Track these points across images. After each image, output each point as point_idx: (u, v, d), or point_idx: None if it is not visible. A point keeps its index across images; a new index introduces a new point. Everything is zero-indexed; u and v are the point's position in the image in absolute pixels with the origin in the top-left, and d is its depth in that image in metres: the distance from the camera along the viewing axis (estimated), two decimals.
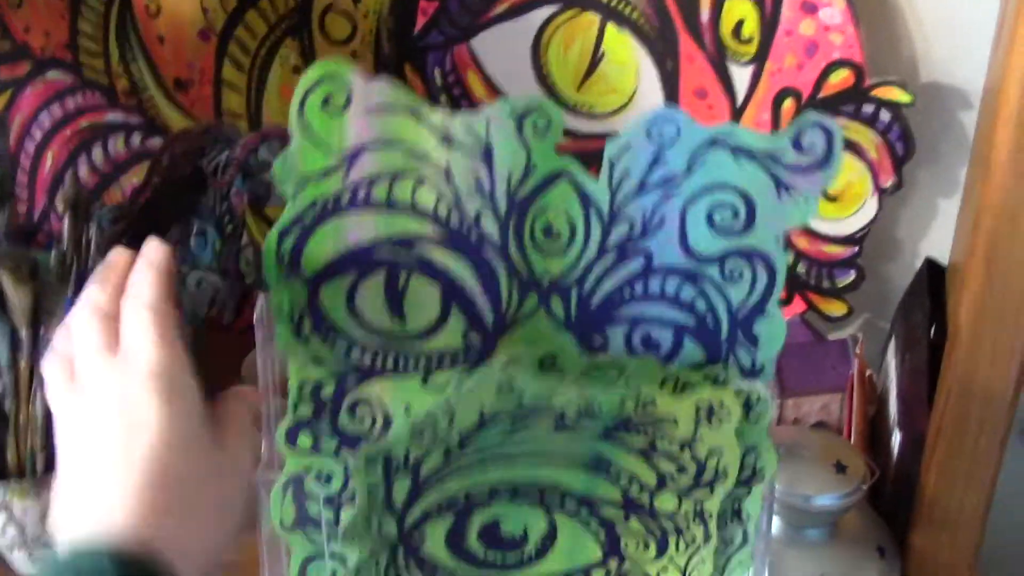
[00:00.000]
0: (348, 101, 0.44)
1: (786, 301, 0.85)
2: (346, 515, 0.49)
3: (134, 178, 0.92)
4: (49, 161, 0.92)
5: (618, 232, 0.48)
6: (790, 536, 0.63)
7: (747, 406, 0.49)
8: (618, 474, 0.51)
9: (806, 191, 0.47)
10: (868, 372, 0.80)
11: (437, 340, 0.49)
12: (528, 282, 0.48)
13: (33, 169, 0.92)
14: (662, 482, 0.51)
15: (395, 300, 0.48)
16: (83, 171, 0.91)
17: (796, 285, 0.85)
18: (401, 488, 0.50)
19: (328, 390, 0.49)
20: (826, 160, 0.47)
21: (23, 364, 0.70)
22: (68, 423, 0.40)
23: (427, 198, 0.47)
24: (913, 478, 0.67)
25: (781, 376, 0.81)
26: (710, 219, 0.48)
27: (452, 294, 0.48)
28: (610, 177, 0.48)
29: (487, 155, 0.46)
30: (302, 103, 0.44)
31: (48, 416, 0.71)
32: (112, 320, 0.41)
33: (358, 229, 0.46)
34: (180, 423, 0.39)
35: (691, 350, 0.50)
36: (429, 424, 0.47)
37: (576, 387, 0.48)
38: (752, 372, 0.50)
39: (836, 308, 0.86)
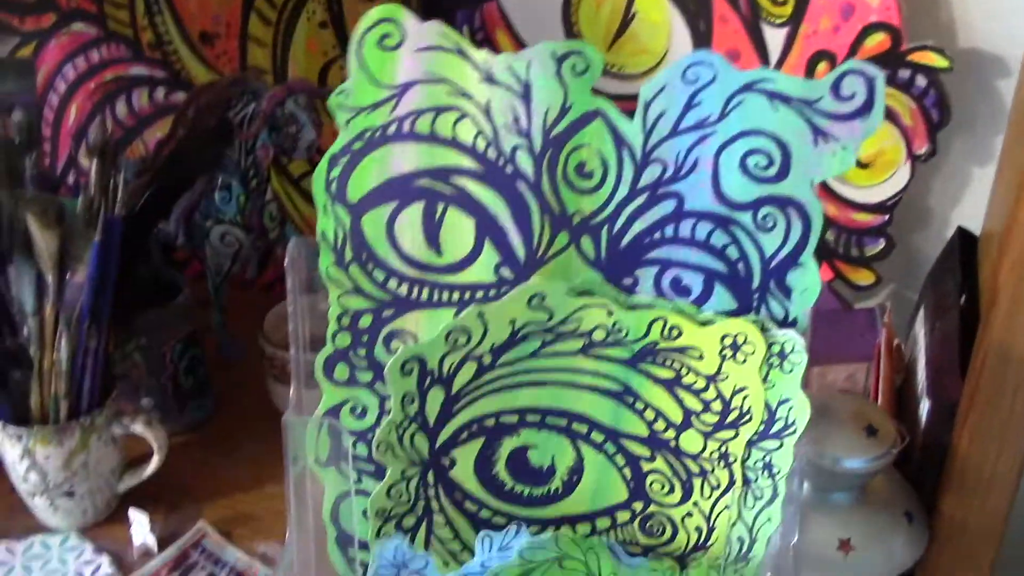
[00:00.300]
0: (401, 40, 0.48)
1: None
2: (380, 432, 0.52)
3: (158, 132, 0.95)
4: (73, 114, 0.95)
5: (650, 173, 0.51)
6: (816, 499, 0.65)
7: (781, 356, 0.52)
8: (644, 408, 0.54)
9: (844, 140, 0.49)
10: (896, 341, 0.82)
11: (470, 273, 0.52)
12: (560, 219, 0.51)
13: (57, 121, 0.95)
14: (687, 419, 0.53)
15: (432, 231, 0.51)
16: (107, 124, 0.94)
17: (824, 253, 0.87)
18: (434, 402, 0.53)
19: (366, 320, 0.52)
20: (867, 108, 0.49)
21: (48, 310, 0.73)
22: None
23: (467, 133, 0.50)
24: (943, 444, 0.69)
25: (808, 344, 0.83)
26: (744, 165, 0.51)
27: (486, 228, 0.51)
28: (644, 118, 0.50)
29: (526, 93, 0.49)
30: (361, 41, 0.48)
31: (72, 362, 0.74)
32: None
33: (401, 159, 0.50)
34: None
35: (722, 297, 0.53)
36: (462, 332, 0.51)
37: (606, 308, 0.51)
38: (785, 324, 0.53)
39: (864, 277, 0.88)
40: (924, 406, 0.74)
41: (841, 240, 0.87)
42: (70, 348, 0.73)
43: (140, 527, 0.79)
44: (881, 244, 0.86)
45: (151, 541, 0.78)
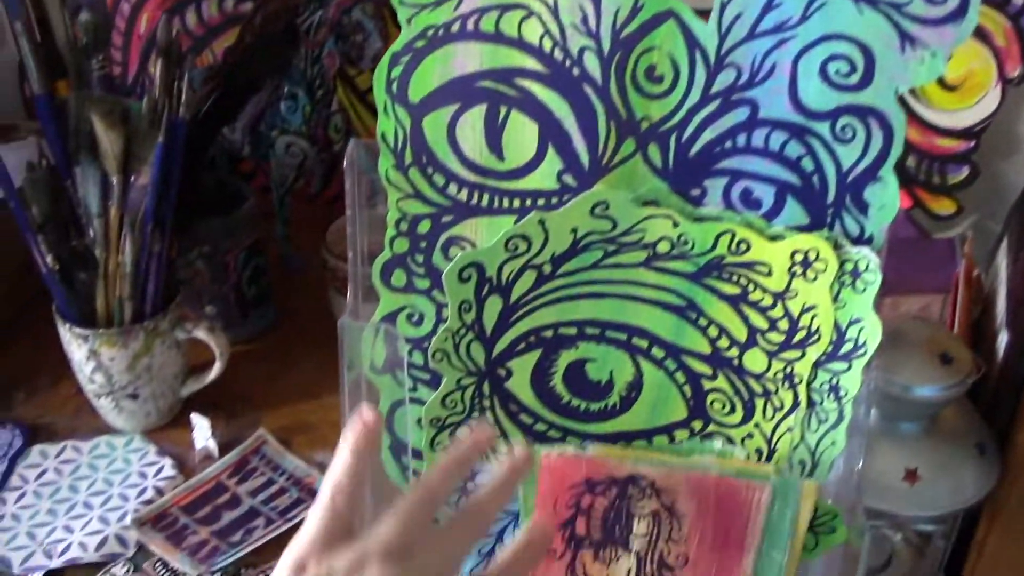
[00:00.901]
0: None
1: None
2: (436, 339, 0.52)
3: (226, 42, 0.94)
4: (144, 24, 0.95)
5: (724, 79, 0.49)
6: (884, 428, 0.63)
7: (854, 274, 0.50)
8: (707, 324, 0.52)
9: (934, 46, 0.47)
10: (976, 272, 0.79)
11: (532, 179, 0.50)
12: (627, 125, 0.49)
13: (128, 32, 0.95)
14: (752, 338, 0.52)
15: (494, 135, 0.50)
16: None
17: (904, 180, 0.84)
18: (491, 310, 0.52)
19: (424, 226, 0.51)
20: (960, 12, 0.46)
21: (113, 212, 0.74)
22: None
23: (533, 32, 0.48)
24: (1020, 377, 0.66)
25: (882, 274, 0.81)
26: (824, 71, 0.48)
27: (550, 133, 0.50)
28: (720, 20, 0.48)
29: None
30: None
31: (136, 265, 0.75)
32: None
33: (464, 59, 0.48)
34: None
35: (794, 211, 0.51)
36: (522, 239, 0.49)
37: (671, 219, 0.49)
38: (860, 242, 0.51)
39: (945, 206, 0.85)
40: (1002, 338, 0.71)
41: (923, 167, 0.84)
42: (134, 251, 0.74)
43: (202, 431, 0.80)
44: (965, 171, 0.83)
45: (212, 446, 0.80)
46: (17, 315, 0.91)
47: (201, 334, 0.79)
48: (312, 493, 0.76)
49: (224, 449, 0.80)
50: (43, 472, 0.78)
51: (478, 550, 0.56)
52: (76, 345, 0.77)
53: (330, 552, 0.42)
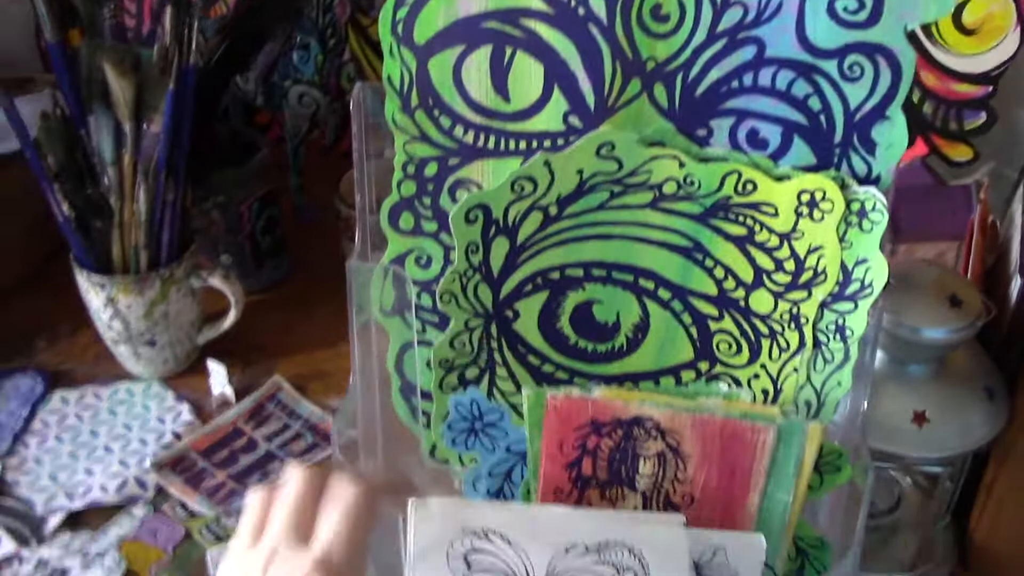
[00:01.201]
0: None
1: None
2: (444, 281, 0.52)
3: None
4: None
5: (730, 17, 0.48)
6: (893, 370, 0.64)
7: (860, 214, 0.50)
8: (713, 265, 0.52)
9: None
10: (991, 218, 0.78)
11: (538, 121, 0.50)
12: (632, 65, 0.49)
13: None
14: (758, 278, 0.52)
15: (499, 76, 0.50)
16: None
17: (920, 126, 0.83)
18: (498, 251, 0.52)
19: (431, 168, 0.52)
20: None
21: (127, 159, 0.74)
22: (239, 566, 0.44)
23: None
24: None
25: (896, 219, 0.80)
26: (831, 8, 0.48)
27: (555, 74, 0.49)
28: None
29: None
30: None
31: (151, 213, 0.75)
32: (314, 504, 0.45)
33: (469, 0, 0.48)
34: None
35: (801, 151, 0.50)
36: (528, 180, 0.49)
37: (677, 159, 0.49)
38: (867, 182, 0.50)
39: (961, 152, 0.84)
40: (1015, 283, 0.71)
41: (939, 112, 0.83)
42: (148, 199, 0.74)
43: (218, 378, 0.81)
44: (982, 117, 0.81)
45: (229, 392, 0.81)
46: (37, 267, 0.92)
47: (216, 282, 0.80)
48: (327, 438, 0.77)
49: (240, 396, 0.81)
50: (64, 417, 0.80)
51: (488, 472, 0.56)
52: (94, 293, 0.78)
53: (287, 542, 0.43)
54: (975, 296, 0.61)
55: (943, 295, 0.61)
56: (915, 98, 0.83)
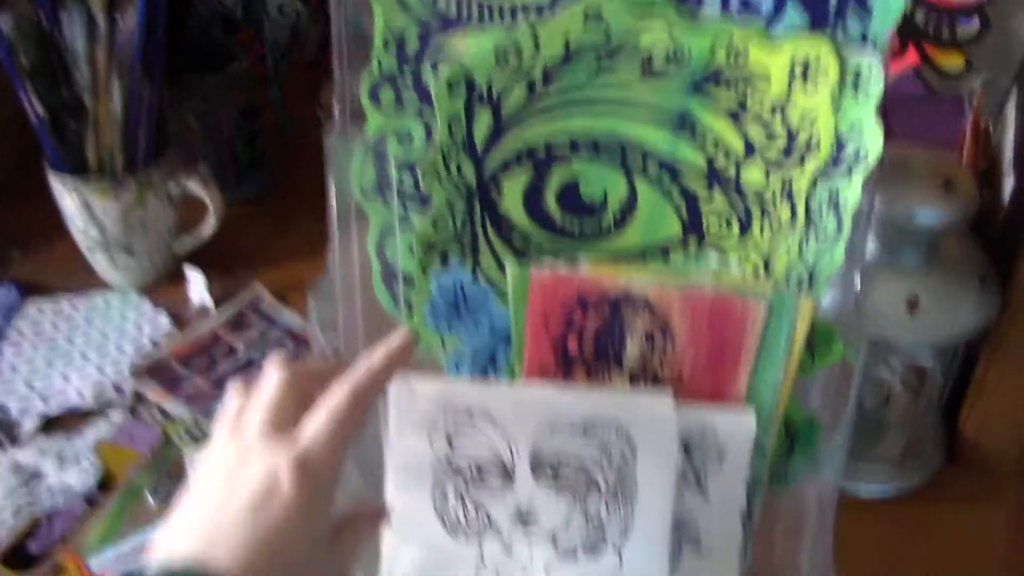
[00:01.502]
0: None
1: (899, 51, 0.82)
2: (426, 157, 0.50)
3: None
4: None
5: None
6: (887, 258, 0.62)
7: (855, 81, 0.48)
8: (703, 137, 0.50)
9: None
10: (984, 124, 0.77)
11: None
12: None
13: None
14: (750, 151, 0.50)
15: None
16: None
17: (911, 34, 0.81)
18: (481, 125, 0.50)
19: (412, 43, 0.50)
20: None
21: (101, 55, 0.72)
22: (215, 460, 0.42)
23: None
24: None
25: (887, 126, 0.79)
26: None
27: None
28: None
29: None
30: None
31: (127, 111, 0.73)
32: (300, 399, 0.43)
33: None
34: (313, 520, 0.41)
35: (794, 14, 0.49)
36: (512, 48, 0.48)
37: (667, 27, 0.47)
38: (862, 46, 0.49)
39: (954, 61, 0.82)
40: (1008, 181, 0.70)
41: (932, 20, 0.81)
42: (123, 96, 0.72)
43: (197, 286, 0.79)
44: (976, 24, 0.80)
45: (208, 301, 0.79)
46: (9, 176, 0.90)
47: (194, 187, 0.78)
48: (308, 346, 0.76)
49: (219, 305, 0.79)
50: (39, 326, 0.78)
51: (471, 355, 0.55)
52: (69, 198, 0.76)
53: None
54: (969, 181, 0.60)
55: (937, 179, 0.60)
56: (908, 6, 0.81)
